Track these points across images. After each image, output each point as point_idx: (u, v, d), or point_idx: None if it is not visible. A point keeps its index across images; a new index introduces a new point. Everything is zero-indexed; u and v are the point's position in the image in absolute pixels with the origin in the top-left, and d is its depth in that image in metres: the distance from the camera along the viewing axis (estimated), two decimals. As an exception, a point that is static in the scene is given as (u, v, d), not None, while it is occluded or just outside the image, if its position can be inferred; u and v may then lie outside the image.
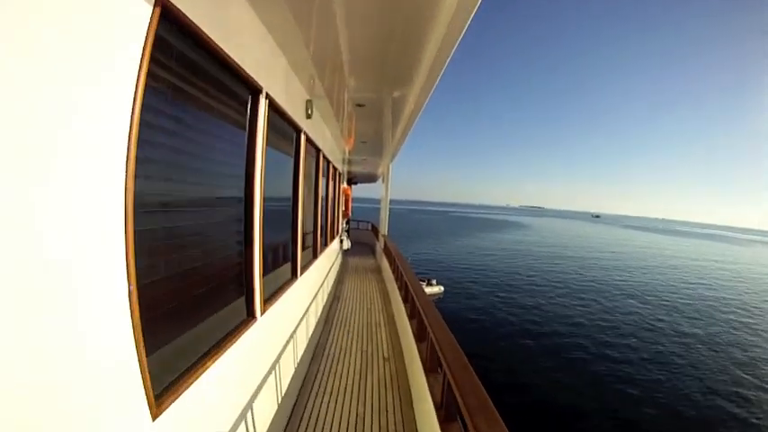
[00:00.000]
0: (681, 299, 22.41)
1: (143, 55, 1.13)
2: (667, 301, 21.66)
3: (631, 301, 20.97)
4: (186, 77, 1.48)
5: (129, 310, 1.09)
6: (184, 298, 1.53)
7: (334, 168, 6.69)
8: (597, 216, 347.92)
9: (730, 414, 9.21)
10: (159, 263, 1.36)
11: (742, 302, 22.91)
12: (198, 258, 1.64)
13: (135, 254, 1.10)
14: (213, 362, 1.64)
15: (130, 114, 1.09)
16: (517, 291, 21.69)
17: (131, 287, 1.09)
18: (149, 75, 1.18)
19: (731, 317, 19.01)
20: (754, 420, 9.00)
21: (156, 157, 1.34)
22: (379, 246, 10.33)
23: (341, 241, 8.58)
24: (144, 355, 1.16)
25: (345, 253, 12.34)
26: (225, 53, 1.65)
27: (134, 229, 1.11)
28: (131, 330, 1.10)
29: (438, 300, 18.82)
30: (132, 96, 1.10)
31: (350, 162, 9.75)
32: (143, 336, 1.15)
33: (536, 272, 27.87)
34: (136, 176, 1.11)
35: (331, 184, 6.35)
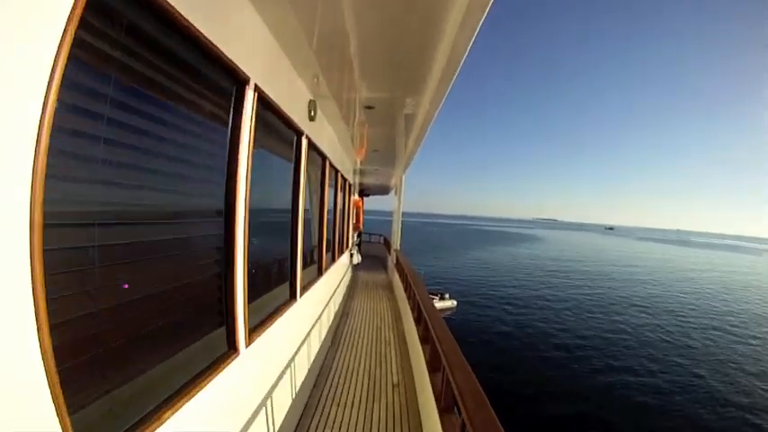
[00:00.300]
0: (698, 311, 21.31)
1: (70, 16, 0.85)
2: (682, 314, 20.66)
3: (646, 315, 19.99)
4: (143, 56, 1.20)
5: (40, 357, 0.81)
6: (136, 335, 1.23)
7: (344, 179, 6.40)
8: (611, 228, 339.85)
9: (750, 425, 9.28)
10: (98, 291, 1.06)
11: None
12: (156, 283, 1.34)
13: (45, 280, 0.82)
14: (174, 411, 1.32)
15: (44, 93, 0.81)
16: (532, 306, 20.99)
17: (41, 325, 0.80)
18: (80, 45, 0.92)
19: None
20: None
21: (97, 155, 1.05)
22: (391, 260, 9.80)
23: (351, 255, 8.13)
24: (66, 414, 0.87)
25: (356, 267, 12.02)
26: (199, 32, 1.38)
27: (43, 248, 0.82)
28: (47, 385, 0.83)
29: (451, 314, 18.45)
30: (49, 71, 0.81)
31: (361, 173, 9.31)
32: (63, 392, 0.86)
33: (551, 286, 27.04)
34: (47, 177, 0.82)
35: (340, 195, 6.04)
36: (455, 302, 19.18)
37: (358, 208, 10.03)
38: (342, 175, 6.02)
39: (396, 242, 9.22)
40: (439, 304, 18.46)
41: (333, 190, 5.45)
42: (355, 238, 10.78)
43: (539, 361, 12.48)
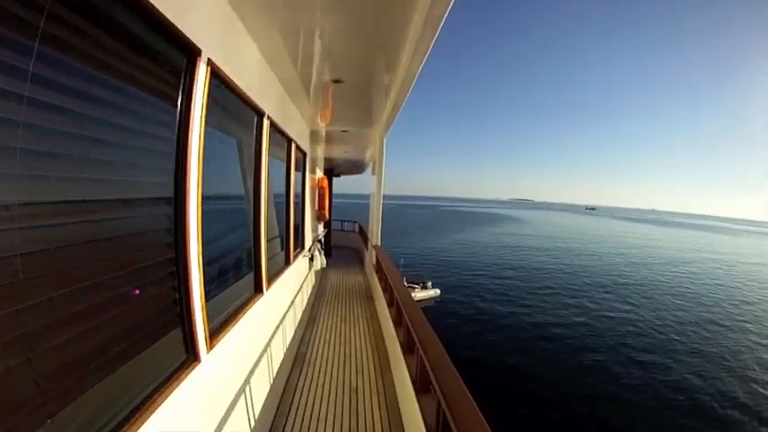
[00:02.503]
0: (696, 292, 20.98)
1: None
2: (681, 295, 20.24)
3: (637, 296, 19.55)
4: (66, 19, 0.94)
5: None
6: (75, 347, 1.01)
7: (298, 149, 4.42)
8: (592, 209, 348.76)
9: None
10: (23, 297, 0.86)
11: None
12: (95, 287, 1.10)
13: None
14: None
15: None
16: (517, 289, 20.27)
17: None
18: None
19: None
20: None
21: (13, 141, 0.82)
22: (369, 257, 7.82)
23: (311, 259, 5.72)
24: None
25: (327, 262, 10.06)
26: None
27: None
28: None
29: (434, 303, 17.33)
30: None
31: (327, 139, 6.71)
32: None
33: (537, 268, 26.40)
34: None
35: (292, 171, 4.15)
36: (438, 291, 18.02)
37: (323, 189, 7.39)
38: (295, 144, 4.14)
39: (375, 235, 6.74)
40: (421, 294, 17.13)
41: (281, 164, 3.75)
42: (319, 233, 7.70)
43: (528, 350, 12.50)
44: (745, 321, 16.81)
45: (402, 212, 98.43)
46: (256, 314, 2.71)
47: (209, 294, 1.75)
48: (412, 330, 2.54)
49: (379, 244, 6.52)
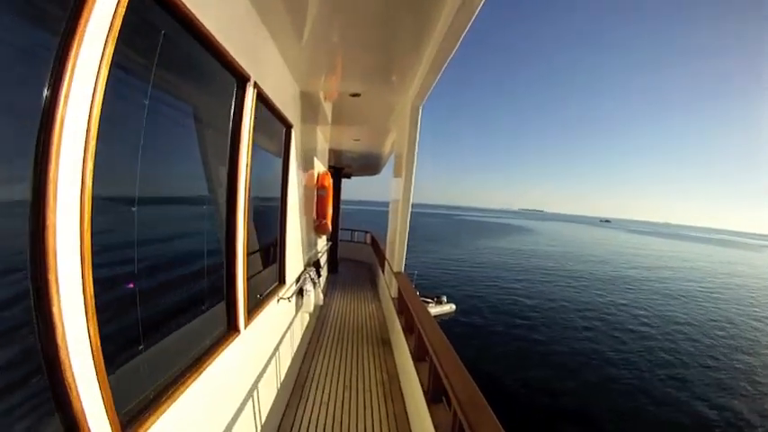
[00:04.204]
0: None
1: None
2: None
3: (670, 313, 17.69)
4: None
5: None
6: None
7: (280, 119, 2.84)
8: (607, 221, 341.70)
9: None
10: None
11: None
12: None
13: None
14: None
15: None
16: (539, 306, 18.61)
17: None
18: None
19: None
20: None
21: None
22: (385, 281, 5.87)
23: (300, 292, 3.78)
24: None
25: (331, 281, 8.21)
26: None
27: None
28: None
29: (450, 319, 15.93)
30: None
31: (333, 117, 4.79)
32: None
33: (555, 283, 24.71)
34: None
35: (270, 156, 2.80)
36: (454, 306, 16.60)
37: (324, 190, 5.28)
38: (271, 106, 2.52)
39: (398, 258, 4.66)
40: (435, 309, 15.72)
41: (250, 146, 2.29)
42: (318, 251, 5.61)
43: (551, 368, 11.66)
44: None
45: (413, 221, 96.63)
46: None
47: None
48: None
49: (402, 269, 4.66)
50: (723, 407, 10.07)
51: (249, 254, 2.07)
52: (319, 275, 4.69)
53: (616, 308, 18.95)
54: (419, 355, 2.85)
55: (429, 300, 15.92)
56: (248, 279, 2.09)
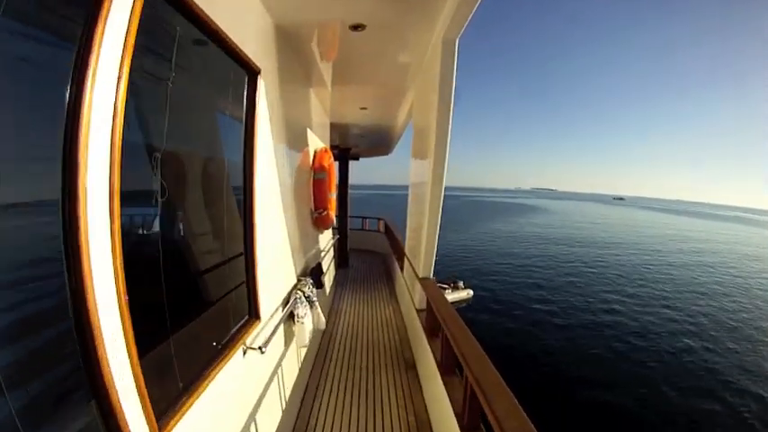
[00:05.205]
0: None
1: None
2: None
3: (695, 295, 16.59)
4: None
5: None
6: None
7: (232, 51, 1.74)
8: (621, 198, 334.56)
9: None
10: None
11: None
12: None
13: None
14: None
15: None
16: (557, 286, 17.84)
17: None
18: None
19: None
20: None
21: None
22: (404, 282, 4.96)
23: (290, 315, 2.68)
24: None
25: (340, 279, 7.23)
26: None
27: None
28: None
29: (467, 306, 15.16)
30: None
31: (333, 71, 3.63)
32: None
33: (577, 263, 23.70)
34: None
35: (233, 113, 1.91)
36: (471, 292, 15.79)
37: (323, 170, 4.15)
38: (221, 34, 1.54)
39: (423, 260, 3.57)
40: (452, 296, 14.91)
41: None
42: (321, 250, 4.68)
43: (573, 354, 11.11)
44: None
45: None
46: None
47: None
48: None
49: (431, 275, 3.57)
50: (748, 392, 9.32)
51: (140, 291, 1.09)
52: (321, 285, 3.70)
53: (664, 293, 17.89)
54: (471, 421, 1.94)
55: (445, 285, 15.09)
56: (168, 338, 1.26)
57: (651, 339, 12.13)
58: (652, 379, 9.72)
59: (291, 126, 3.08)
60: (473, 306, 14.99)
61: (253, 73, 2.02)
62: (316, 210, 4.23)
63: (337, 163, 8.64)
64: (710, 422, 8.16)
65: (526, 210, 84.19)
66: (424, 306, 3.54)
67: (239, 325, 1.89)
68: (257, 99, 2.04)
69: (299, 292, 2.84)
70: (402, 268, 5.35)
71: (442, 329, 2.46)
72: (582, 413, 8.26)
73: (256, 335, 2.01)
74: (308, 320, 2.80)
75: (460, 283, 15.73)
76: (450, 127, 2.89)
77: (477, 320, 13.04)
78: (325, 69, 3.57)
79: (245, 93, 1.99)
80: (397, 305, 5.56)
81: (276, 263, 2.56)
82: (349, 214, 8.99)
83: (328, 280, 5.39)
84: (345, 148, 8.86)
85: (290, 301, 2.71)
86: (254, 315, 2.05)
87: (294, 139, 3.22)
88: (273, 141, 2.46)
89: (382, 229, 10.21)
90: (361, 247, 10.02)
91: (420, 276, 3.61)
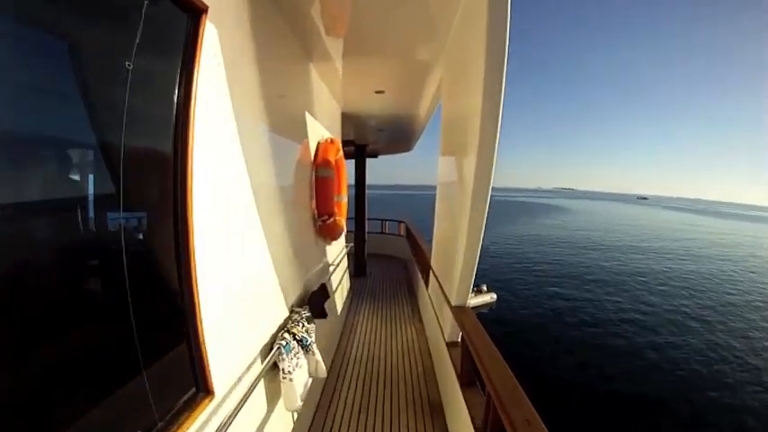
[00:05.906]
0: None
1: None
2: None
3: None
4: None
5: None
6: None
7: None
8: (644, 198, 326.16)
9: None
10: None
11: None
12: None
13: None
14: None
15: None
16: (586, 289, 16.76)
17: None
18: None
19: None
20: None
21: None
22: (428, 301, 4.34)
23: (282, 373, 1.94)
24: None
25: (357, 290, 6.71)
26: None
27: None
28: None
29: (490, 309, 14.34)
30: None
31: (353, 37, 2.87)
32: None
33: (606, 266, 22.37)
34: None
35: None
36: (494, 296, 14.91)
37: (327, 167, 3.37)
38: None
39: (458, 283, 2.83)
40: (475, 300, 14.09)
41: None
42: (329, 265, 4.03)
43: (607, 362, 10.03)
44: None
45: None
46: None
47: None
48: None
49: (470, 303, 2.89)
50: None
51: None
52: (324, 315, 2.89)
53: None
54: None
55: (467, 289, 14.29)
56: None
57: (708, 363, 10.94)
58: (699, 404, 8.65)
59: (275, 105, 2.31)
60: (495, 310, 14.19)
61: (195, 11, 1.31)
62: (319, 216, 3.47)
63: (353, 161, 7.88)
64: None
65: (550, 210, 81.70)
66: (456, 339, 2.91)
67: (173, 411, 1.21)
68: (198, 52, 1.31)
69: (286, 336, 2.06)
70: (427, 283, 4.63)
71: (485, 385, 1.78)
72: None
73: (207, 418, 1.34)
74: (301, 374, 2.03)
75: (483, 287, 14.88)
76: (501, 110, 2.04)
77: (504, 322, 12.34)
78: (326, 28, 2.70)
79: (184, 43, 1.29)
80: (420, 325, 4.87)
81: (246, 301, 1.80)
82: (367, 217, 8.31)
83: (340, 296, 4.72)
84: (362, 145, 8.11)
85: (273, 351, 1.94)
86: (202, 389, 1.37)
87: (281, 123, 2.46)
88: (236, 122, 1.67)
89: (403, 232, 9.51)
90: (379, 252, 9.38)
91: (453, 304, 2.87)
